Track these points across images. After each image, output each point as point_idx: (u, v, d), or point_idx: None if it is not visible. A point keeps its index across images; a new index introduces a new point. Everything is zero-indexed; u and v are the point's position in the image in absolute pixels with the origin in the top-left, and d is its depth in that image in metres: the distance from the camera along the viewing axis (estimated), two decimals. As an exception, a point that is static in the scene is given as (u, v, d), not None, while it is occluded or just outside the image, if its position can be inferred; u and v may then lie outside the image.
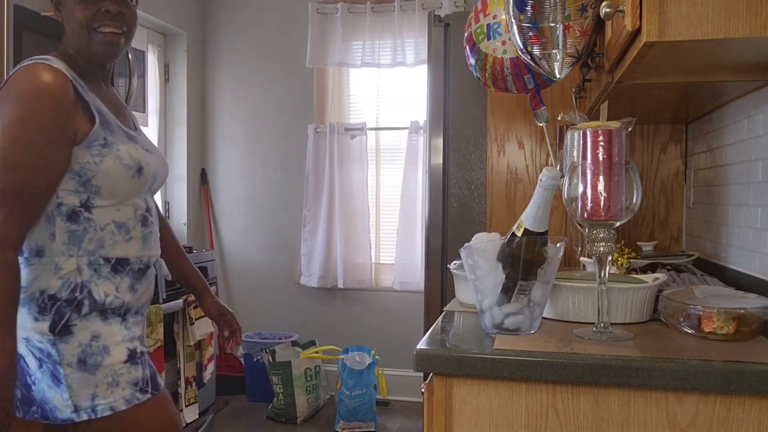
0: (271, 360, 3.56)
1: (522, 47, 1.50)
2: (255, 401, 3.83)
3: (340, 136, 3.91)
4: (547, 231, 1.27)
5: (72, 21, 1.41)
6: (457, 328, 1.38)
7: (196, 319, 2.81)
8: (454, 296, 1.66)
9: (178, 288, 2.76)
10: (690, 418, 1.06)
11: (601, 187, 1.19)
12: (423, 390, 1.20)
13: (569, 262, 2.12)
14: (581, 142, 1.21)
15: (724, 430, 1.05)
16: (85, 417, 1.37)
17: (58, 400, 1.37)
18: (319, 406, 3.72)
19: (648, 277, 1.46)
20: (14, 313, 1.31)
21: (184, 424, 2.76)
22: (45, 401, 1.38)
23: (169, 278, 1.72)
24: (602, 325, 1.23)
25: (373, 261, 3.93)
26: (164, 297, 1.68)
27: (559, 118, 1.41)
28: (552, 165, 2.20)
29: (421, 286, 3.35)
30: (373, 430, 3.41)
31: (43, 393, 1.37)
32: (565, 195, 1.24)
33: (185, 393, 2.76)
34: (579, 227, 1.83)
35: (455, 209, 2.57)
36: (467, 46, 1.89)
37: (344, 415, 3.38)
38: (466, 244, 1.32)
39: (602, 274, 1.22)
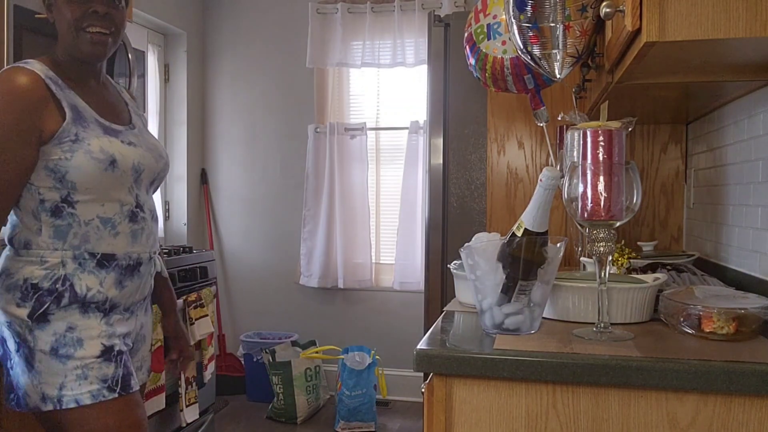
0: (271, 360, 3.56)
1: (522, 47, 1.50)
2: (255, 401, 3.83)
3: (340, 136, 3.91)
4: (547, 231, 1.27)
5: (62, 21, 1.46)
6: (457, 328, 1.38)
7: (196, 320, 2.81)
8: (454, 296, 1.66)
9: (178, 288, 2.76)
10: (690, 418, 1.06)
11: (601, 187, 1.19)
12: (423, 390, 1.20)
13: (569, 262, 2.12)
14: (581, 142, 1.21)
15: (724, 430, 1.05)
16: (50, 407, 1.40)
17: (29, 386, 1.41)
18: (319, 406, 3.72)
19: (648, 277, 1.46)
20: None
21: (184, 424, 2.76)
22: (18, 387, 1.43)
23: (166, 275, 1.71)
24: (602, 325, 1.23)
25: (373, 261, 3.93)
26: (151, 289, 1.67)
27: (559, 118, 1.42)
28: (552, 165, 2.20)
29: (421, 286, 3.36)
30: (373, 430, 3.41)
31: (18, 378, 1.43)
32: (565, 195, 1.24)
33: (185, 393, 2.76)
34: (579, 227, 1.83)
35: (455, 209, 2.57)
36: (467, 46, 1.89)
37: (344, 415, 3.38)
38: (466, 244, 1.32)
39: (602, 274, 1.22)
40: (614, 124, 1.20)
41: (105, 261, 1.46)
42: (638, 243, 2.18)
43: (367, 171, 3.90)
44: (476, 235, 1.62)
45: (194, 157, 4.12)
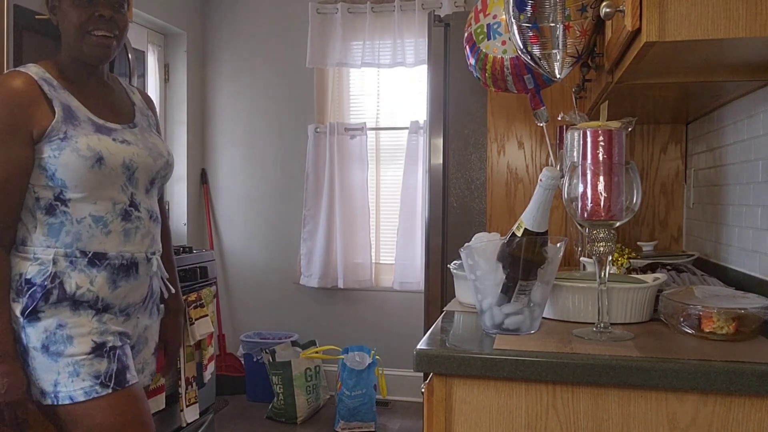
0: (271, 360, 3.56)
1: (522, 47, 1.50)
2: (255, 401, 3.83)
3: (340, 136, 3.91)
4: (547, 231, 1.27)
5: (67, 24, 1.49)
6: (457, 328, 1.38)
7: (196, 320, 2.81)
8: (454, 296, 1.66)
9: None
10: (690, 418, 1.06)
11: (601, 187, 1.19)
12: (423, 390, 1.20)
13: (569, 262, 2.12)
14: (581, 142, 1.21)
15: (724, 430, 1.05)
16: (48, 401, 1.43)
17: (29, 380, 1.45)
18: (319, 406, 3.72)
19: (648, 277, 1.46)
20: (4, 300, 1.42)
21: (184, 424, 2.76)
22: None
23: (167, 277, 1.70)
24: (602, 325, 1.23)
25: (373, 261, 3.93)
26: (157, 301, 1.66)
27: (559, 118, 1.41)
28: (552, 165, 2.20)
29: (421, 286, 3.35)
30: (373, 430, 3.41)
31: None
32: (565, 195, 1.24)
33: (185, 393, 2.76)
34: (579, 227, 1.83)
35: (455, 209, 2.57)
36: (467, 46, 1.89)
37: (344, 415, 3.38)
38: (466, 244, 1.32)
39: (602, 274, 1.22)
40: (614, 124, 1.20)
41: (96, 260, 1.48)
42: (638, 243, 2.18)
43: (367, 171, 3.90)
44: (476, 235, 1.62)
45: (194, 157, 4.12)
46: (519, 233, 1.26)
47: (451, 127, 2.58)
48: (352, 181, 3.91)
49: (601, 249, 1.21)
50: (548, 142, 2.12)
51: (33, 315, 1.44)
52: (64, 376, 1.42)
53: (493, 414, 1.13)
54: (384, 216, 4.01)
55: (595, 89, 1.73)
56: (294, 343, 3.74)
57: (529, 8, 1.40)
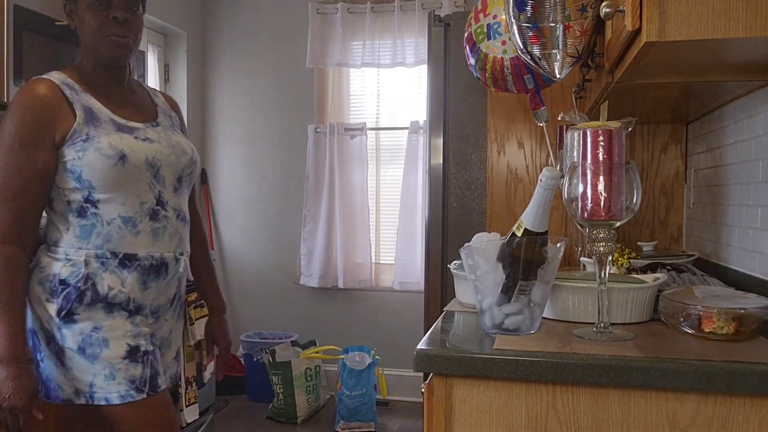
0: (271, 360, 3.56)
1: (522, 47, 1.50)
2: (255, 401, 3.83)
3: (340, 136, 3.91)
4: (547, 231, 1.27)
5: (84, 28, 1.52)
6: (457, 328, 1.38)
7: (196, 320, 2.80)
8: (454, 296, 1.66)
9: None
10: (690, 418, 1.06)
11: (601, 187, 1.19)
12: (423, 390, 1.20)
13: (569, 262, 2.12)
14: (581, 142, 1.21)
15: (724, 430, 1.05)
16: (83, 401, 1.45)
17: (61, 379, 1.46)
18: (319, 406, 3.72)
19: (648, 277, 1.46)
20: (19, 301, 1.43)
21: (184, 424, 2.76)
22: (50, 379, 1.48)
23: (191, 279, 1.73)
24: (602, 325, 1.23)
25: (373, 261, 3.93)
26: (182, 302, 1.70)
27: (559, 118, 1.41)
28: (552, 165, 2.20)
29: (421, 286, 3.35)
30: (373, 430, 3.41)
31: (50, 370, 1.47)
32: (565, 195, 1.24)
33: (185, 393, 2.75)
34: (579, 227, 1.83)
35: (455, 209, 2.57)
36: (467, 46, 1.89)
37: (344, 415, 3.38)
38: (466, 244, 1.32)
39: (602, 274, 1.22)
40: (614, 124, 1.20)
41: (127, 261, 1.49)
42: (638, 243, 2.18)
43: (367, 171, 3.90)
44: (476, 235, 1.62)
45: (194, 157, 4.12)
46: (519, 233, 1.26)
47: (451, 127, 2.58)
48: (352, 181, 3.90)
49: (601, 249, 1.21)
50: (548, 142, 2.12)
51: (69, 317, 1.45)
52: (100, 378, 1.45)
53: (493, 414, 1.13)
54: (384, 216, 4.01)
55: (595, 89, 1.73)
56: (294, 343, 3.74)
57: (529, 8, 1.40)
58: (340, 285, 3.91)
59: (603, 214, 1.19)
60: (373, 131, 3.98)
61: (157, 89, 1.76)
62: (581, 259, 1.83)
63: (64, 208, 1.49)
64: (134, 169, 1.49)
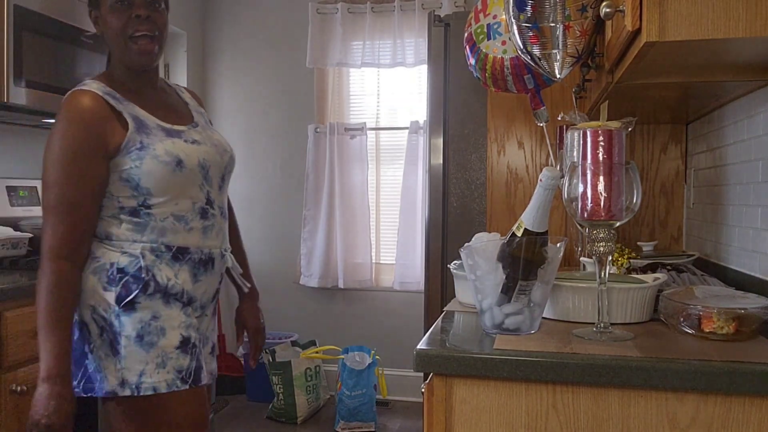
0: (271, 360, 3.56)
1: (522, 47, 1.50)
2: (255, 401, 3.83)
3: (340, 136, 3.91)
4: (547, 231, 1.27)
5: (109, 31, 1.53)
6: (457, 328, 1.38)
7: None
8: (454, 296, 1.66)
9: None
10: (690, 418, 1.06)
11: (601, 187, 1.19)
12: (423, 390, 1.20)
13: (569, 262, 2.12)
14: (581, 142, 1.21)
15: (724, 430, 1.05)
16: (128, 392, 1.45)
17: (110, 369, 1.46)
18: (319, 406, 3.72)
19: (648, 277, 1.46)
20: (68, 319, 1.42)
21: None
22: (97, 370, 1.47)
23: (240, 272, 1.77)
24: (602, 325, 1.23)
25: (374, 261, 3.93)
26: (244, 290, 1.78)
27: (559, 118, 1.41)
28: (552, 165, 2.20)
29: (421, 286, 3.36)
30: (373, 430, 3.41)
31: (98, 362, 1.47)
32: (565, 195, 1.24)
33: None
34: (579, 227, 1.83)
35: (455, 209, 2.57)
36: (467, 46, 1.89)
37: (344, 415, 3.38)
38: (466, 244, 1.32)
39: (602, 274, 1.22)
40: (614, 124, 1.20)
41: (179, 254, 1.53)
42: (638, 243, 2.18)
43: (367, 171, 3.90)
44: (476, 235, 1.62)
45: (194, 157, 4.11)
46: (519, 233, 1.26)
47: (451, 127, 2.58)
48: (352, 181, 3.90)
49: (601, 249, 1.21)
50: (548, 142, 2.12)
51: (129, 305, 1.47)
52: (151, 366, 1.46)
53: (493, 414, 1.13)
54: (384, 216, 4.01)
55: (595, 89, 1.73)
56: (294, 343, 3.74)
57: (529, 8, 1.40)
58: (340, 285, 3.91)
59: (603, 214, 1.19)
60: (373, 131, 3.98)
61: (181, 85, 1.79)
62: (581, 259, 1.83)
63: (117, 211, 1.51)
64: (190, 173, 1.53)
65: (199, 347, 1.55)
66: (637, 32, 1.11)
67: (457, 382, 1.14)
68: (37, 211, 2.74)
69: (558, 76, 1.50)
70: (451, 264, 1.65)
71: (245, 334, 1.86)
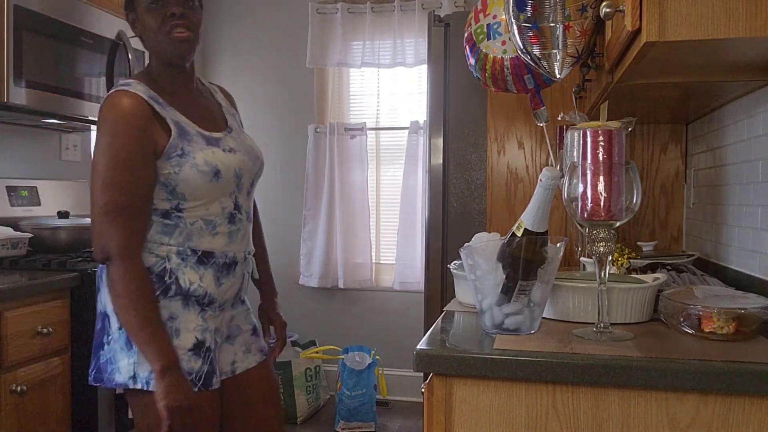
0: (271, 360, 3.55)
1: (522, 47, 1.50)
2: (255, 401, 3.82)
3: (340, 136, 3.91)
4: (547, 231, 1.27)
5: (147, 31, 1.56)
6: (457, 328, 1.38)
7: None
8: (454, 296, 1.66)
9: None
10: (690, 418, 1.06)
11: (601, 187, 1.19)
12: (423, 390, 1.20)
13: (569, 262, 2.12)
14: (581, 142, 1.21)
15: (724, 430, 1.05)
16: (138, 386, 1.49)
17: (123, 363, 1.50)
18: (319, 406, 3.72)
19: (648, 277, 1.46)
20: (156, 312, 1.48)
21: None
22: (111, 362, 1.52)
23: (256, 276, 1.81)
24: (602, 325, 1.23)
25: (373, 261, 3.93)
26: (244, 293, 1.79)
27: (559, 118, 1.41)
28: (552, 165, 2.20)
29: (421, 286, 3.35)
30: (373, 430, 3.41)
31: (114, 353, 1.52)
32: (565, 195, 1.24)
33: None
34: (579, 227, 1.83)
35: (455, 209, 2.57)
36: (467, 46, 1.89)
37: (344, 415, 3.38)
38: (466, 244, 1.32)
39: (602, 274, 1.22)
40: (614, 124, 1.20)
41: (204, 258, 1.56)
42: (638, 243, 2.18)
43: (367, 171, 3.90)
44: (476, 235, 1.62)
45: (194, 157, 4.11)
46: (519, 233, 1.26)
47: (451, 127, 2.58)
48: (352, 181, 3.90)
49: (601, 249, 1.21)
50: (548, 142, 2.12)
51: None
52: None
53: (493, 414, 1.13)
54: (384, 216, 4.01)
55: (595, 89, 1.73)
56: (294, 343, 3.74)
57: (529, 8, 1.40)
58: (340, 285, 3.91)
59: (603, 214, 1.19)
60: (373, 131, 3.98)
61: (214, 84, 1.80)
62: (581, 259, 1.83)
63: (150, 212, 1.54)
64: (225, 183, 1.57)
65: (213, 352, 1.57)
66: (637, 32, 1.11)
67: (457, 382, 1.14)
68: (36, 211, 2.74)
69: (558, 76, 1.50)
70: (451, 264, 1.65)
71: (271, 329, 1.94)
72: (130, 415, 1.90)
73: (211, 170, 1.53)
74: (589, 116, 1.47)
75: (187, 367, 1.51)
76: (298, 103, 4.04)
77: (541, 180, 1.25)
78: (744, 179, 1.66)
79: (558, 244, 1.26)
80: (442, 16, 2.62)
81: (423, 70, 3.65)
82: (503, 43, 1.77)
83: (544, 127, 1.99)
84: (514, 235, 1.26)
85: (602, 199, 1.18)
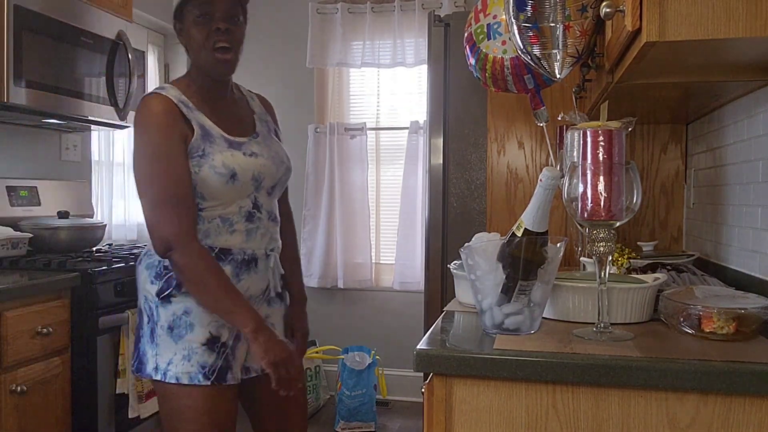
0: (271, 360, 3.55)
1: (522, 47, 1.50)
2: (255, 401, 3.83)
3: (340, 136, 3.91)
4: (547, 231, 1.27)
5: (192, 43, 1.63)
6: (457, 328, 1.38)
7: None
8: (454, 296, 1.66)
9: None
10: (690, 418, 1.06)
11: (601, 187, 1.19)
12: (423, 390, 1.20)
13: (569, 262, 2.12)
14: (581, 142, 1.21)
15: (724, 430, 1.05)
16: (158, 377, 1.58)
17: (149, 354, 1.61)
18: (319, 406, 3.72)
19: (648, 277, 1.46)
20: (228, 282, 1.55)
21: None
22: (143, 353, 1.62)
23: (282, 273, 1.82)
24: (602, 325, 1.23)
25: (373, 261, 3.93)
26: (278, 291, 1.80)
27: (559, 118, 1.41)
28: (552, 165, 2.20)
29: (421, 286, 3.35)
30: (373, 430, 3.41)
31: (144, 346, 1.63)
32: (565, 195, 1.24)
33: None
34: (579, 227, 1.83)
35: (455, 209, 2.57)
36: (467, 46, 1.89)
37: (344, 415, 3.38)
38: (466, 244, 1.32)
39: (602, 274, 1.22)
40: (614, 124, 1.20)
41: (222, 255, 1.61)
42: (638, 243, 2.18)
43: (367, 171, 3.90)
44: (476, 235, 1.62)
45: (194, 157, 4.11)
46: (519, 233, 1.25)
47: (451, 127, 2.58)
48: (352, 181, 3.90)
49: (601, 249, 1.21)
50: (548, 142, 2.12)
51: (167, 298, 1.59)
52: (178, 357, 1.57)
53: (493, 414, 1.13)
54: (384, 216, 4.01)
55: (595, 89, 1.73)
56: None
57: (529, 8, 1.40)
58: (340, 285, 3.91)
59: (603, 214, 1.19)
60: (373, 131, 3.98)
61: (253, 92, 1.86)
62: (581, 259, 1.83)
63: None
64: (242, 185, 1.61)
65: (230, 348, 1.61)
66: (637, 32, 1.11)
67: (457, 382, 1.14)
68: (37, 211, 2.74)
69: (558, 76, 1.50)
70: (451, 264, 1.65)
71: (294, 337, 1.92)
72: (131, 415, 1.91)
73: (228, 172, 1.57)
74: (589, 116, 1.47)
75: (201, 361, 1.57)
76: (298, 103, 4.04)
77: (541, 180, 1.25)
78: (744, 179, 1.66)
79: (558, 244, 1.26)
80: (442, 16, 2.62)
81: (423, 70, 3.65)
82: (503, 43, 1.77)
83: (544, 127, 1.99)
84: (514, 235, 1.26)
85: (602, 199, 1.18)
